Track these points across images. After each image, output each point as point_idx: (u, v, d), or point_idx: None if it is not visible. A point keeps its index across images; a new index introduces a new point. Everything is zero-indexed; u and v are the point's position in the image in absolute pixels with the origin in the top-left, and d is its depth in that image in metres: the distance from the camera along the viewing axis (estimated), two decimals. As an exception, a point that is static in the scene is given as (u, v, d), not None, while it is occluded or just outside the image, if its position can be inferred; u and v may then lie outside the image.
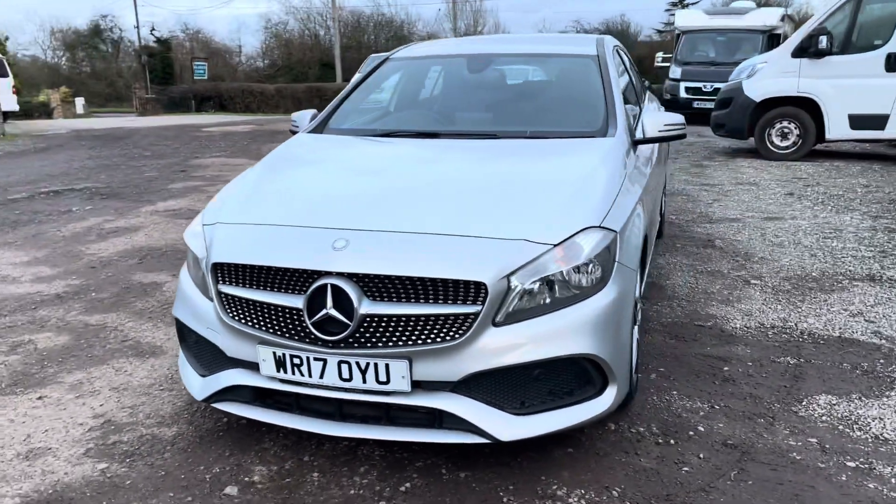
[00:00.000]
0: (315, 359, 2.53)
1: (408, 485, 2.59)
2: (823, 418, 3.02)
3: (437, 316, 2.44)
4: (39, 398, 3.33)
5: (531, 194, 2.85)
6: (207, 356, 2.86)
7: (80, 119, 30.17)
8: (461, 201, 2.83)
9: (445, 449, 2.77)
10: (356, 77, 4.22)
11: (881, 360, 3.54)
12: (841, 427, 2.94)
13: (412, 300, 2.46)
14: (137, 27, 46.36)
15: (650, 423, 2.99)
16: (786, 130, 10.13)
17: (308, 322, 2.49)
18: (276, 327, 2.58)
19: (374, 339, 2.46)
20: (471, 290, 2.44)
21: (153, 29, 45.93)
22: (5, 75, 23.14)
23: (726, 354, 3.65)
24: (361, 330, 2.46)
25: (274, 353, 2.58)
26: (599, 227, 2.69)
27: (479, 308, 2.43)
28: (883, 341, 3.77)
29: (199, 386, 2.86)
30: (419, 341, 2.45)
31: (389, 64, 4.41)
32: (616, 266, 2.69)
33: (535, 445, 2.79)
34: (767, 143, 10.28)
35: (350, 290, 2.45)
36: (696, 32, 18.53)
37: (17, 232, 6.71)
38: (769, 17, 18.13)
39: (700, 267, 5.11)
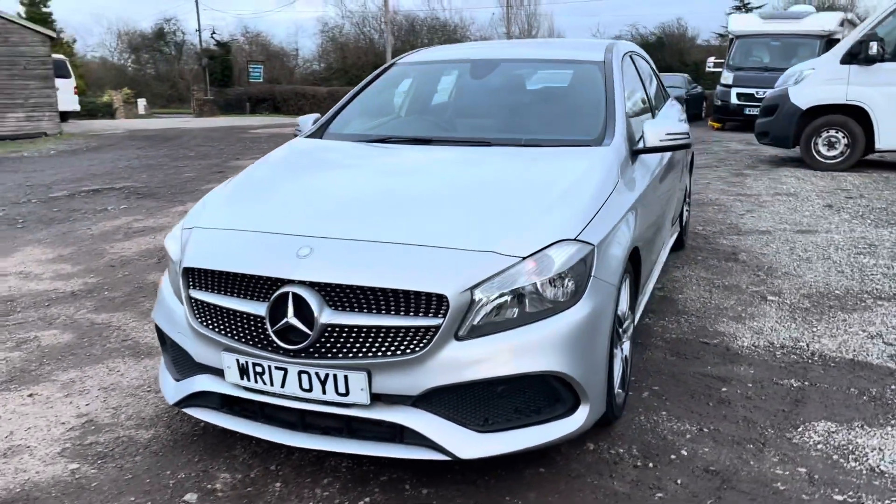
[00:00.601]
0: (276, 368, 2.50)
1: (367, 499, 2.53)
2: (818, 446, 2.85)
3: (398, 328, 2.39)
4: (30, 395, 3.38)
5: (509, 204, 2.77)
6: (181, 361, 2.86)
7: (139, 119, 31.09)
8: (435, 210, 2.77)
9: (413, 463, 2.71)
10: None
11: (893, 386, 3.35)
12: (835, 457, 2.78)
13: (373, 311, 2.41)
14: (199, 30, 47.56)
15: (631, 445, 2.87)
16: (833, 139, 9.75)
17: (270, 330, 2.46)
18: (240, 334, 2.56)
19: (334, 350, 2.42)
20: (432, 303, 2.37)
21: (213, 32, 46.98)
22: (67, 76, 23.90)
23: (727, 374, 3.49)
24: (322, 340, 2.42)
25: (237, 361, 2.56)
26: (575, 239, 2.59)
27: (439, 321, 2.36)
28: (898, 366, 3.57)
29: (172, 390, 2.86)
30: (379, 353, 2.39)
31: (395, 69, 4.37)
32: (592, 280, 2.59)
33: (505, 463, 2.71)
34: (813, 152, 9.92)
35: (311, 298, 2.41)
36: (750, 37, 18.06)
37: (50, 229, 6.90)
38: (828, 22, 17.53)
39: (717, 281, 4.92)
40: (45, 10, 40.84)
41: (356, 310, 2.42)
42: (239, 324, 2.56)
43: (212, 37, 46.94)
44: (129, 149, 14.34)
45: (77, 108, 25.19)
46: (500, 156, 3.32)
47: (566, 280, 2.52)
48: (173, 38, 52.44)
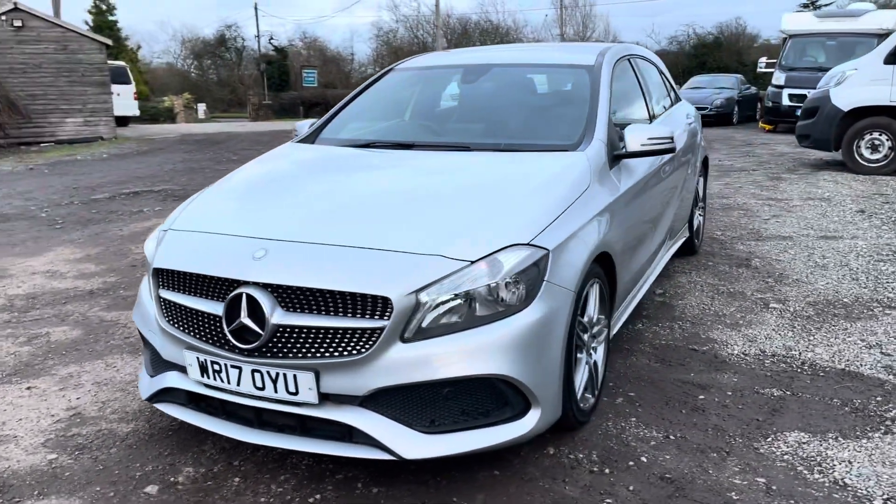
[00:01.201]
0: (232, 366, 2.58)
1: (318, 496, 2.59)
2: (785, 457, 2.80)
3: (344, 329, 2.44)
4: (28, 388, 3.55)
5: (467, 209, 2.80)
6: (155, 358, 2.97)
7: (196, 124, 31.97)
8: (393, 214, 2.81)
9: (370, 462, 2.75)
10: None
11: (878, 398, 3.25)
12: (800, 468, 2.72)
13: (322, 312, 2.46)
14: (258, 36, 48.95)
15: (592, 450, 2.86)
16: (876, 142, 9.43)
17: (226, 329, 2.54)
18: (200, 333, 2.65)
19: (285, 350, 2.49)
20: (378, 305, 2.42)
21: (271, 38, 48.27)
22: (128, 82, 24.80)
23: (708, 382, 3.44)
24: (274, 340, 2.49)
25: (198, 359, 2.66)
26: (528, 244, 2.61)
27: (384, 323, 2.41)
28: (890, 377, 3.46)
29: (146, 386, 2.98)
30: (326, 354, 2.45)
31: (392, 74, 4.43)
32: (545, 285, 2.60)
33: (460, 464, 2.74)
34: (856, 155, 9.61)
35: (264, 299, 2.48)
36: (804, 36, 17.56)
37: (84, 230, 7.19)
38: (887, 20, 16.87)
39: (723, 287, 4.84)
40: (111, 18, 42.42)
41: (306, 311, 2.48)
42: (199, 323, 2.65)
43: (269, 42, 48.18)
44: (176, 152, 14.79)
45: (136, 112, 26.09)
46: (474, 161, 3.34)
47: (517, 284, 2.53)
48: (234, 45, 53.82)
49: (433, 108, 4.18)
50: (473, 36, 43.67)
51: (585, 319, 3.00)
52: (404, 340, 2.44)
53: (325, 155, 3.70)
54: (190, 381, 2.75)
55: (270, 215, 2.90)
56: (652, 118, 4.37)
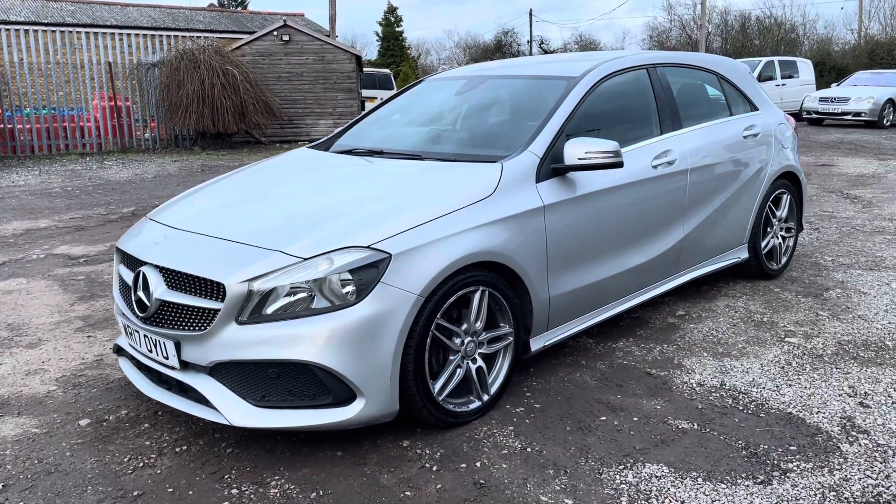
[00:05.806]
0: (134, 330, 3.15)
1: (185, 447, 3.07)
2: (620, 486, 2.71)
3: (193, 307, 2.89)
4: (89, 336, 4.46)
5: (345, 213, 3.10)
6: (125, 320, 3.65)
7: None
8: (286, 214, 3.21)
9: (246, 429, 3.14)
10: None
11: (793, 447, 2.93)
12: (621, 499, 2.63)
13: (184, 291, 2.94)
14: (530, 41, 50.55)
15: (442, 448, 2.99)
16: None
17: (133, 299, 3.12)
18: (123, 301, 3.26)
19: (162, 321, 3.00)
20: (218, 289, 2.83)
21: (541, 42, 49.57)
22: (390, 88, 27.17)
23: (627, 406, 3.33)
24: (157, 311, 3.01)
25: (121, 322, 3.27)
26: (367, 247, 2.84)
27: (220, 305, 2.81)
28: (834, 428, 3.07)
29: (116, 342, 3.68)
30: (183, 327, 2.92)
31: (420, 85, 4.73)
32: (379, 286, 2.82)
33: (313, 441, 3.05)
34: None
35: (152, 277, 3.02)
36: None
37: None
38: None
39: (758, 316, 4.43)
40: (397, 29, 46.78)
41: (177, 290, 2.97)
42: (124, 293, 3.27)
43: (540, 46, 49.51)
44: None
45: (396, 114, 28.42)
46: (409, 169, 3.55)
47: (347, 282, 2.79)
48: (509, 50, 56.06)
49: (418, 118, 4.41)
50: (752, 34, 40.89)
51: (464, 326, 3.12)
52: (239, 322, 2.82)
53: (308, 159, 4.11)
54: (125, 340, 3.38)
55: (191, 208, 3.44)
56: (662, 130, 4.16)
